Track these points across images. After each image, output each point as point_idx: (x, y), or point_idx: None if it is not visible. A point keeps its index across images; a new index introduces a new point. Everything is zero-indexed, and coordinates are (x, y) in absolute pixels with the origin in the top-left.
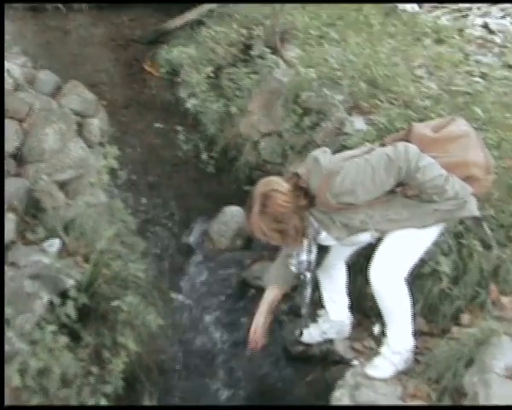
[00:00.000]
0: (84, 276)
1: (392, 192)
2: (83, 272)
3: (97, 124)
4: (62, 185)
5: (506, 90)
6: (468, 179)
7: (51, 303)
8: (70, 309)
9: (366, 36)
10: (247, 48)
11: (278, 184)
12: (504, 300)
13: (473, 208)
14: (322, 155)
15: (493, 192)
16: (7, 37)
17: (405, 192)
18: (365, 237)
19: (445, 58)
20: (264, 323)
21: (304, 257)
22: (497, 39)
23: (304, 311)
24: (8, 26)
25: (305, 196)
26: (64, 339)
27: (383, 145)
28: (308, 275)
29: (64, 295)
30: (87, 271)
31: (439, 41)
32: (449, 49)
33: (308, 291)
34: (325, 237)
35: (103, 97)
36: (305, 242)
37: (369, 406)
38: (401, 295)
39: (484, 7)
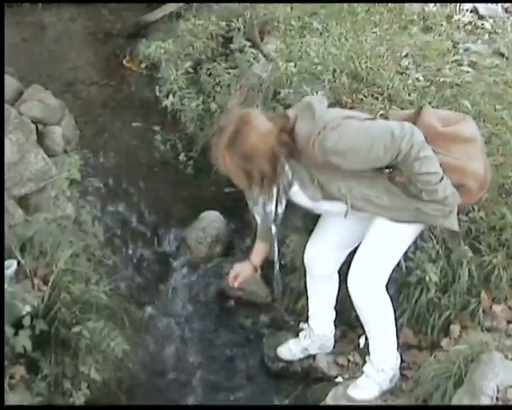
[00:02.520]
0: (41, 300)
1: (378, 171)
2: (41, 296)
3: (60, 132)
4: (21, 200)
5: (496, 79)
6: (460, 188)
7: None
8: (24, 340)
9: (350, 25)
10: (227, 41)
11: (257, 121)
12: (496, 308)
13: (454, 222)
14: (318, 104)
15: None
16: None
17: (393, 177)
18: (336, 209)
19: (433, 47)
20: (247, 271)
21: (271, 208)
22: (488, 25)
23: (276, 271)
24: None
25: (286, 143)
26: (20, 371)
27: (386, 118)
28: (274, 229)
29: (19, 322)
30: (45, 295)
31: (427, 29)
32: (437, 37)
33: (275, 247)
34: (296, 193)
35: (79, 96)
36: (274, 191)
37: (368, 406)
38: (383, 306)
39: None
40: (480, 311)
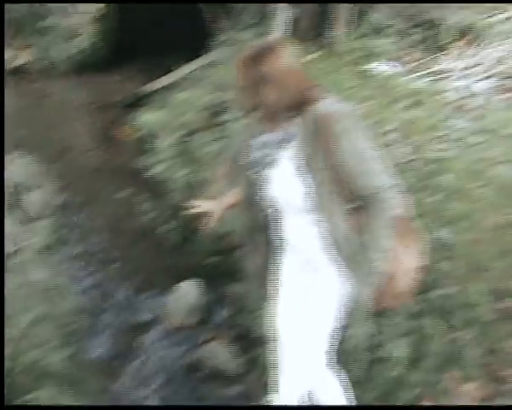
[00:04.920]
0: None
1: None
2: None
3: (37, 197)
4: None
5: (480, 155)
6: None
7: None
8: None
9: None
10: (219, 112)
11: (287, 54)
12: (466, 387)
13: (366, 296)
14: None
15: (458, 268)
16: None
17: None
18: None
19: (420, 122)
20: (209, 207)
21: (268, 151)
22: (475, 103)
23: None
24: None
25: (303, 97)
26: None
27: None
28: (258, 175)
29: None
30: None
31: (416, 104)
32: (425, 112)
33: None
34: (286, 155)
35: (72, 163)
36: (277, 136)
37: (370, 405)
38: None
39: (466, 69)
40: (451, 389)
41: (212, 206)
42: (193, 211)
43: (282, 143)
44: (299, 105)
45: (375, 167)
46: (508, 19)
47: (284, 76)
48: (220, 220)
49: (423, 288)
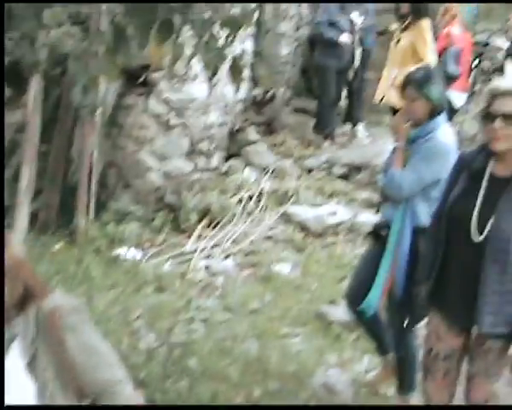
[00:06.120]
0: None
1: None
2: None
3: None
4: None
5: (226, 334)
6: None
7: None
8: None
9: (86, 290)
10: None
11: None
12: None
13: None
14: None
15: None
16: None
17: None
18: (23, 394)
19: (166, 306)
20: None
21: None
22: (219, 281)
23: None
24: None
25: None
26: None
27: None
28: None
29: None
30: None
31: (161, 289)
32: (170, 296)
33: None
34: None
35: None
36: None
37: (371, 406)
38: None
39: (207, 249)
40: None
41: None
42: None
43: (7, 343)
44: (22, 301)
45: (105, 361)
46: (240, 201)
47: (5, 272)
48: None
49: None
